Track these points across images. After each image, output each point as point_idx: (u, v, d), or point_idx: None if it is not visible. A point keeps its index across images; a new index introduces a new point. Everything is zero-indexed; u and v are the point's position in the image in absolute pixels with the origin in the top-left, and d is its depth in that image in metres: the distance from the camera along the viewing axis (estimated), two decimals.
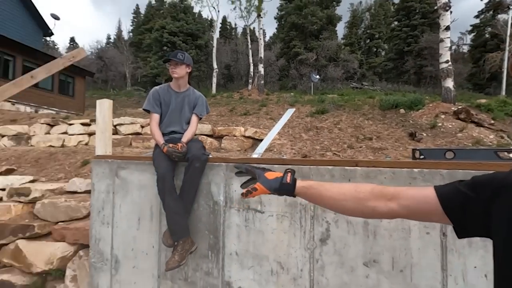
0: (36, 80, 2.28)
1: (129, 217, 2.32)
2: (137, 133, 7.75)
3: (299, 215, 1.62)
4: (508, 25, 17.60)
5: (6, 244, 3.46)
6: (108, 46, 36.84)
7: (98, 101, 2.71)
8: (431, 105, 7.47)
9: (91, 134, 7.56)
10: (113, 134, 7.87)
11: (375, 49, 37.83)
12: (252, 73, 19.15)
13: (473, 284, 1.19)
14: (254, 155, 2.58)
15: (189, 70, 2.35)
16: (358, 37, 37.81)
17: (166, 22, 23.56)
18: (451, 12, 7.65)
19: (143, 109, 2.33)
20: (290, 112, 2.65)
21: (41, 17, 17.54)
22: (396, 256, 1.35)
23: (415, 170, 1.35)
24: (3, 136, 7.72)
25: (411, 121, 6.84)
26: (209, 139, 7.13)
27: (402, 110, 7.83)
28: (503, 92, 15.37)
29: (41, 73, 2.30)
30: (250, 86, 18.24)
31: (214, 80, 19.90)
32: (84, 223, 3.33)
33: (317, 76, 18.93)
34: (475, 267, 1.18)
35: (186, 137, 2.11)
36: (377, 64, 31.69)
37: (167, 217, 1.86)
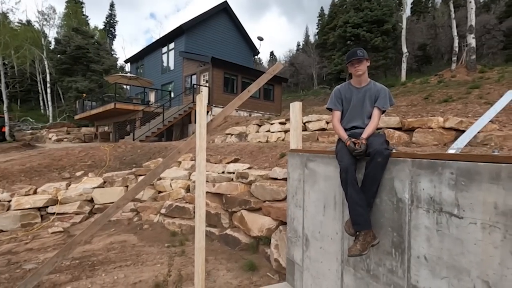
0: (251, 93, 3.07)
1: (316, 203, 2.64)
2: (323, 129, 8.33)
3: None
4: None
5: (236, 212, 4.86)
6: (298, 53, 41.47)
7: (291, 104, 3.25)
8: None
9: (286, 131, 8.94)
10: (302, 130, 8.93)
11: None
12: (456, 49, 15.28)
13: None
14: (451, 150, 2.14)
15: (368, 64, 2.34)
16: None
17: (349, 16, 23.34)
18: None
19: (326, 108, 2.56)
20: (510, 95, 1.96)
21: (251, 41, 22.46)
22: None
23: None
24: (231, 134, 10.68)
25: None
26: (397, 133, 6.48)
27: None
28: None
29: (253, 87, 3.07)
30: (454, 65, 14.65)
31: (404, 65, 17.62)
32: (283, 204, 4.08)
33: None
34: None
35: (366, 132, 2.13)
36: None
37: (349, 207, 1.98)
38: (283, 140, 8.77)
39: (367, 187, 1.94)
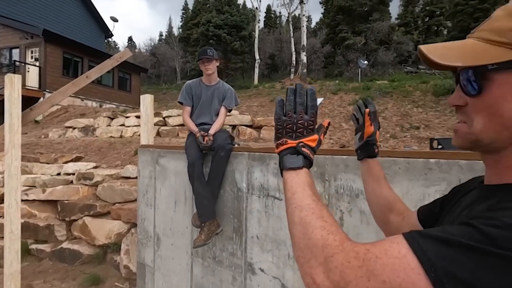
0: (91, 80, 2.65)
1: (167, 200, 2.59)
2: (184, 124, 8.29)
3: None
4: None
5: (76, 220, 4.11)
6: (160, 43, 39.34)
7: (142, 97, 3.03)
8: None
9: None
10: (162, 125, 8.56)
11: (435, 28, 34.02)
12: (294, 62, 18.84)
13: None
14: None
15: (218, 64, 2.49)
16: (415, 16, 34.31)
17: (212, 16, 24.28)
18: None
19: (178, 102, 2.55)
20: (318, 102, 2.64)
21: (103, 21, 19.43)
22: None
23: (432, 160, 1.29)
24: (74, 128, 8.91)
25: None
26: (249, 130, 7.33)
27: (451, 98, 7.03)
28: None
29: (94, 73, 2.66)
30: (292, 75, 18.00)
31: (256, 71, 20.06)
32: (135, 205, 3.77)
33: (365, 62, 17.85)
34: None
35: (213, 129, 2.27)
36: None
37: (195, 200, 2.06)
38: (139, 135, 8.11)
39: (213, 180, 2.08)
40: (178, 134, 7.94)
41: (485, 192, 0.52)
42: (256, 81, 19.53)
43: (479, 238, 0.35)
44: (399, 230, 0.88)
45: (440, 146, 1.33)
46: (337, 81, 15.22)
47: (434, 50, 0.49)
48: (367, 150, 0.91)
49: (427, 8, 34.64)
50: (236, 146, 2.19)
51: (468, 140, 0.50)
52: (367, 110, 0.90)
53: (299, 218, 0.48)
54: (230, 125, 7.75)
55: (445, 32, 32.86)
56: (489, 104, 0.47)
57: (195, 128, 2.30)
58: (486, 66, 0.45)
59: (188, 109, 2.44)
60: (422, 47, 0.50)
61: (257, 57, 19.86)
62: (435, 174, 1.29)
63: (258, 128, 7.49)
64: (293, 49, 19.16)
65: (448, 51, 0.49)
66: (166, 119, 8.47)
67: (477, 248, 0.34)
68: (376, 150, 0.92)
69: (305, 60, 16.36)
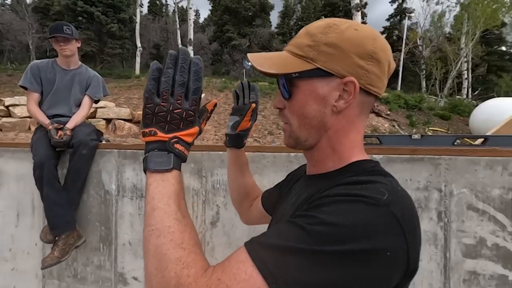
0: None
1: (5, 213, 2.00)
2: None
3: (191, 200, 1.63)
4: (404, 30, 20.61)
5: None
6: (3, 9, 30.17)
7: None
8: None
9: None
10: (5, 116, 6.63)
11: None
12: None
13: None
14: None
15: (79, 45, 2.09)
16: (290, 28, 39.30)
17: None
18: (365, 13, 8.52)
19: (20, 86, 2.00)
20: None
21: None
22: None
23: (292, 154, 1.49)
24: None
25: None
26: (127, 124, 6.60)
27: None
28: (399, 87, 18.11)
29: None
30: None
31: (138, 59, 18.33)
32: None
33: (249, 63, 19.12)
34: None
35: (73, 122, 1.89)
36: None
37: (45, 209, 1.67)
38: None
39: (71, 183, 1.73)
40: (29, 128, 6.34)
41: (307, 182, 0.61)
42: (138, 71, 17.82)
43: (306, 239, 0.38)
44: (250, 212, 0.97)
45: None
46: (223, 79, 15.70)
47: (257, 59, 0.55)
48: (236, 140, 0.94)
49: (299, 23, 40.30)
50: (103, 142, 1.90)
51: (292, 138, 0.57)
52: (253, 105, 0.91)
53: (154, 246, 0.43)
54: (104, 119, 6.76)
55: None
56: (298, 107, 0.54)
57: (45, 120, 1.86)
58: (291, 74, 0.52)
59: (35, 96, 1.95)
60: (249, 55, 0.55)
61: (138, 44, 18.11)
62: (294, 166, 1.47)
63: (139, 123, 6.85)
64: (179, 41, 18.49)
65: (266, 60, 0.55)
66: (10, 108, 6.62)
67: (305, 250, 0.38)
68: (244, 142, 0.96)
69: (192, 55, 16.04)
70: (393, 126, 6.46)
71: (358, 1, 8.04)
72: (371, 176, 0.49)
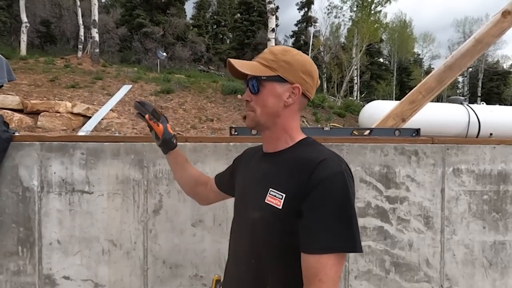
0: None
1: None
2: None
3: (132, 191, 1.65)
4: (311, 36, 23.25)
5: None
6: None
7: None
8: None
9: None
10: None
11: (221, 36, 40.07)
12: (82, 38, 15.93)
13: None
14: (81, 133, 2.30)
15: None
16: (206, 21, 38.75)
17: None
18: (277, 17, 9.30)
19: None
20: (126, 88, 2.50)
21: None
22: (217, 214, 1.67)
23: (231, 144, 1.69)
24: None
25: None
26: (18, 115, 5.51)
27: (239, 96, 8.96)
28: None
29: None
30: (80, 53, 15.16)
31: (24, 37, 15.14)
32: None
33: (164, 54, 18.18)
34: None
35: None
36: (223, 51, 33.90)
37: None
38: None
39: None
40: None
41: (269, 158, 0.86)
42: (24, 51, 14.70)
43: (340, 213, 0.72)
44: (207, 196, 1.18)
45: (236, 133, 1.75)
46: (135, 69, 14.50)
47: (238, 62, 0.82)
48: (167, 145, 1.13)
49: (215, 17, 40.12)
50: (16, 134, 1.69)
51: (254, 121, 0.84)
52: (146, 116, 1.06)
53: None
54: None
55: (228, 42, 39.61)
56: (262, 99, 0.82)
57: None
58: (261, 77, 0.81)
59: None
60: (231, 60, 0.81)
61: (24, 19, 14.92)
62: (233, 154, 1.68)
63: (34, 113, 5.80)
64: (80, 21, 16.06)
65: (245, 64, 0.83)
66: None
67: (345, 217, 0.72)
68: (175, 141, 1.13)
69: (97, 38, 14.24)
70: (303, 121, 7.38)
71: (273, 6, 8.75)
72: (319, 146, 0.83)
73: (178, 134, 5.77)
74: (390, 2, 21.93)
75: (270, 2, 8.51)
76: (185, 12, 30.18)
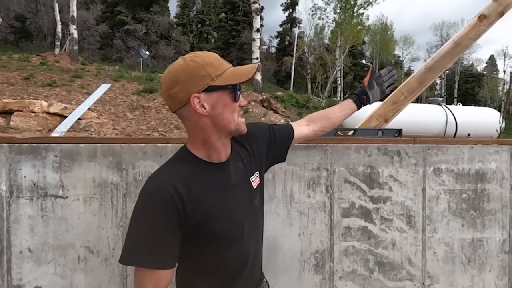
0: None
1: None
2: None
3: (110, 195, 1.58)
4: (295, 37, 23.47)
5: None
6: None
7: None
8: (245, 93, 8.93)
9: None
10: None
11: (206, 35, 39.74)
12: (60, 34, 15.32)
13: None
14: (55, 134, 2.18)
15: None
16: (190, 20, 38.30)
17: None
18: (262, 17, 9.31)
19: None
20: (104, 87, 2.40)
21: None
22: None
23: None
24: None
25: None
26: None
27: (242, 103, 8.84)
28: (291, 88, 20.57)
29: None
30: (57, 51, 14.57)
31: None
32: None
33: (147, 52, 17.81)
34: None
35: None
36: (207, 50, 33.54)
37: None
38: None
39: None
40: None
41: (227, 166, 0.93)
42: None
43: None
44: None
45: None
46: (117, 67, 14.10)
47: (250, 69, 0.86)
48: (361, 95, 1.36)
49: (200, 16, 39.72)
50: None
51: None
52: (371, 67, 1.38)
53: None
54: None
55: (212, 41, 39.32)
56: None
57: None
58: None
59: None
60: (246, 66, 0.89)
61: None
62: None
63: (6, 113, 5.50)
64: (58, 17, 15.43)
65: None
66: None
67: None
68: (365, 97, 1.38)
69: (75, 35, 13.72)
70: (288, 121, 7.42)
71: (258, 6, 8.74)
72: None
73: (160, 134, 5.68)
74: (372, 5, 22.45)
75: (255, 2, 8.49)
76: (169, 10, 29.78)
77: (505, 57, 40.43)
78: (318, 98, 18.24)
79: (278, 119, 7.39)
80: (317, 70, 24.06)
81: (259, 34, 9.24)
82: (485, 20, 1.91)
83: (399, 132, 1.75)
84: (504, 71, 40.31)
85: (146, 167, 1.59)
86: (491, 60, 43.72)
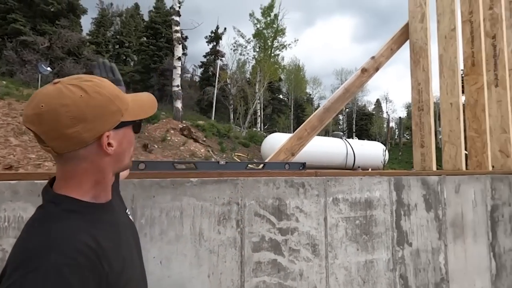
0: None
1: None
2: None
3: None
4: (217, 69, 24.41)
5: None
6: None
7: None
8: (164, 120, 8.55)
9: None
10: None
11: (124, 57, 37.53)
12: None
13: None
14: None
15: None
16: (107, 39, 35.80)
17: None
18: (185, 46, 9.33)
19: None
20: None
21: None
22: None
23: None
24: None
25: (146, 133, 7.41)
26: None
27: None
28: (213, 117, 20.88)
29: None
30: None
31: None
32: None
33: (49, 68, 15.52)
34: (154, 257, 1.45)
35: None
36: (125, 73, 31.58)
37: None
38: None
39: None
40: None
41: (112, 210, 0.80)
42: None
43: None
44: None
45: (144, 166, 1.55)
46: (4, 82, 11.79)
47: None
48: None
49: (118, 36, 37.58)
50: None
51: None
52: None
53: None
54: None
55: (132, 64, 37.30)
56: None
57: None
58: None
59: None
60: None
61: None
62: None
63: None
64: None
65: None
66: None
67: None
68: None
69: None
70: (208, 151, 7.36)
71: (180, 35, 8.77)
72: None
73: (55, 165, 4.71)
74: (286, 48, 25.32)
75: (177, 32, 8.50)
76: (81, 27, 27.23)
77: (386, 101, 51.45)
78: (239, 128, 18.90)
79: (198, 148, 7.26)
80: (238, 101, 25.18)
81: (180, 62, 9.18)
82: (366, 73, 2.33)
83: (303, 165, 1.90)
84: (387, 112, 50.62)
85: (14, 211, 1.28)
86: (378, 103, 53.97)
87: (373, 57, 2.43)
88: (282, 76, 36.74)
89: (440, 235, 2.35)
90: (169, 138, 7.01)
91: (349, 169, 8.43)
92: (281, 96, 41.36)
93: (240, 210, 1.68)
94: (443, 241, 2.35)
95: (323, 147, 7.84)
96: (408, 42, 2.50)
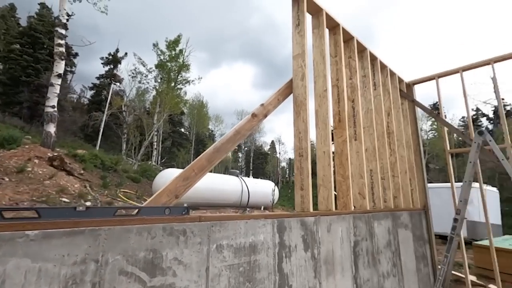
0: None
1: None
2: None
3: None
4: (109, 94, 22.24)
5: None
6: None
7: None
8: (27, 146, 6.82)
9: None
10: None
11: None
12: None
13: None
14: None
15: None
16: None
17: None
18: (73, 64, 8.03)
19: None
20: None
21: None
22: None
23: None
24: None
25: None
26: None
27: None
28: (98, 147, 18.35)
29: None
30: None
31: None
32: None
33: None
34: None
35: None
36: None
37: None
38: None
39: None
40: None
41: None
42: None
43: None
44: None
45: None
46: None
47: None
48: None
49: None
50: None
51: None
52: None
53: None
54: None
55: None
56: None
57: None
58: None
59: None
60: None
61: None
62: None
63: None
64: None
65: None
66: None
67: None
68: None
69: None
70: (85, 186, 6.11)
71: (63, 50, 7.52)
72: None
73: None
74: (189, 84, 25.53)
75: (60, 45, 7.23)
76: None
77: (279, 143, 57.64)
78: (132, 160, 17.03)
79: (71, 183, 5.92)
80: (133, 131, 23.12)
81: (60, 80, 7.77)
82: (256, 118, 2.45)
83: (186, 209, 1.73)
84: (279, 153, 56.41)
85: None
86: (272, 144, 59.66)
87: (262, 104, 2.59)
88: (185, 110, 36.40)
89: (315, 273, 2.51)
90: (29, 169, 5.42)
91: (244, 207, 8.60)
92: (182, 130, 40.49)
93: (99, 269, 1.34)
94: (318, 279, 2.52)
95: (220, 185, 7.82)
96: (292, 95, 2.82)
